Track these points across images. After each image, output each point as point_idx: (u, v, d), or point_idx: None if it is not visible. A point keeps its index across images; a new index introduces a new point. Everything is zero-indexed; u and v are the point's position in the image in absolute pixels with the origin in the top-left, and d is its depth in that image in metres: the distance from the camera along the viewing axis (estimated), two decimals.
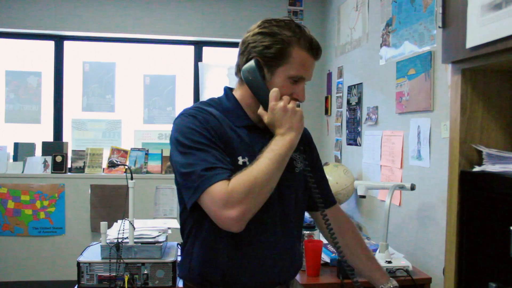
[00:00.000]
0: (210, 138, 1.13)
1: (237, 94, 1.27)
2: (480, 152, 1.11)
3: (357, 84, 3.26)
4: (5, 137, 4.02)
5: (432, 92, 2.25)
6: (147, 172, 3.98)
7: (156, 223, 2.19)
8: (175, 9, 4.07)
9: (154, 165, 4.01)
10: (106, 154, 4.04)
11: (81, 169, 3.95)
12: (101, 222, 1.95)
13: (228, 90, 1.30)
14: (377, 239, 2.59)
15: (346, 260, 1.33)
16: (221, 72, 4.26)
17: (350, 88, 3.41)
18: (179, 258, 2.06)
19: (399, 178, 2.56)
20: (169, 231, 2.12)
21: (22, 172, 3.86)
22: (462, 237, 1.12)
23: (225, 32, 4.13)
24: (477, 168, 1.09)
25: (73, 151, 4.00)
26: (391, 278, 1.40)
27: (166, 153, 4.03)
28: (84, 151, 3.99)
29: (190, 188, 1.09)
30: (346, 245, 1.37)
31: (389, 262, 2.03)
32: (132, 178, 1.98)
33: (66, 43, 4.13)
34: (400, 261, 2.09)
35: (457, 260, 1.14)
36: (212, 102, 1.27)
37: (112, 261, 1.86)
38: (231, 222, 1.05)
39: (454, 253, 1.14)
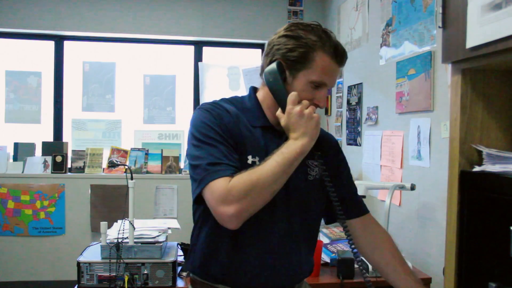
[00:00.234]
0: (221, 134, 1.13)
1: (259, 94, 1.27)
2: (480, 152, 1.11)
3: (357, 84, 3.26)
4: (5, 137, 4.02)
5: (432, 92, 2.25)
6: (147, 172, 3.98)
7: (156, 223, 2.19)
8: (175, 9, 4.07)
9: (154, 165, 4.01)
10: (106, 154, 4.04)
11: (81, 169, 3.95)
12: (101, 222, 1.95)
13: (251, 90, 1.30)
14: None
15: (362, 262, 1.28)
16: (221, 72, 4.26)
17: (350, 88, 3.41)
18: (179, 258, 2.07)
19: (399, 178, 2.56)
20: (169, 231, 2.12)
21: (22, 172, 3.86)
22: (462, 237, 1.12)
23: (225, 32, 4.14)
24: (477, 168, 1.09)
25: (73, 151, 4.00)
26: None
27: (166, 153, 4.04)
28: (84, 151, 3.99)
29: (195, 181, 1.12)
30: (381, 258, 1.32)
31: None
32: (132, 178, 1.98)
33: (66, 43, 4.13)
34: None
35: (457, 260, 1.14)
36: (233, 99, 1.28)
37: (112, 261, 1.86)
38: (227, 218, 1.06)
39: (454, 253, 1.14)
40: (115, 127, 4.18)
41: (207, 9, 4.10)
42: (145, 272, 1.88)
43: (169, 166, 4.01)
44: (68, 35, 4.08)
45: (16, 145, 3.95)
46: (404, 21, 2.58)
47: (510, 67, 1.09)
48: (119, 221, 2.05)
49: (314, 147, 1.14)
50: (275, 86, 1.16)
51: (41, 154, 3.94)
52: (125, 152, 4.04)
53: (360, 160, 3.16)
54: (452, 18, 1.12)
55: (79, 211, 3.85)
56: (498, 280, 0.97)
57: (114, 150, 4.03)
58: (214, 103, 1.22)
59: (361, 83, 3.20)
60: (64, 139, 4.11)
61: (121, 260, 1.87)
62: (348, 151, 3.39)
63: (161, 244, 1.93)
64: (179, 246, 2.15)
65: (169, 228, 2.12)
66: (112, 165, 2.43)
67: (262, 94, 1.26)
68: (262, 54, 4.29)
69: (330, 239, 2.35)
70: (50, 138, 4.09)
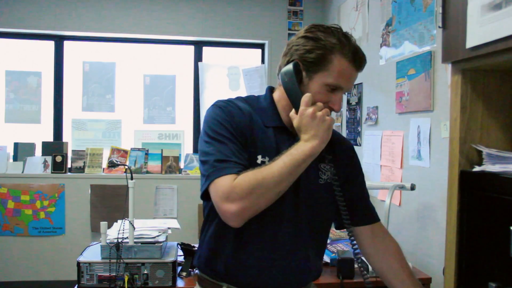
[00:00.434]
0: (231, 131, 1.13)
1: (275, 95, 1.27)
2: (480, 152, 1.11)
3: (357, 84, 3.26)
4: (5, 137, 4.02)
5: (432, 92, 2.25)
6: (147, 172, 3.98)
7: (156, 223, 2.19)
8: (175, 9, 4.07)
9: (154, 165, 4.01)
10: (106, 154, 4.04)
11: (81, 169, 3.95)
12: (101, 222, 1.94)
13: (268, 90, 1.30)
14: None
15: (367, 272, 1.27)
16: (221, 72, 4.26)
17: None
18: (179, 258, 2.07)
19: (399, 178, 2.56)
20: (169, 231, 2.12)
21: (22, 172, 3.86)
22: (462, 237, 1.12)
23: (225, 32, 4.14)
24: (477, 168, 1.09)
25: (73, 151, 4.00)
26: None
27: (166, 153, 4.04)
28: (84, 151, 3.99)
29: (203, 176, 1.12)
30: (389, 268, 1.30)
31: None
32: (132, 178, 1.98)
33: (66, 43, 4.13)
34: None
35: (457, 260, 1.14)
36: (248, 98, 1.28)
37: (112, 261, 1.86)
38: (229, 216, 1.06)
39: (454, 253, 1.14)
40: (115, 127, 4.18)
41: (207, 9, 4.10)
42: (145, 272, 1.88)
43: (169, 166, 4.02)
44: (68, 35, 4.08)
45: (16, 145, 3.95)
46: (404, 21, 2.58)
47: (510, 67, 1.09)
48: (119, 221, 2.05)
49: (326, 151, 1.13)
50: (290, 86, 1.15)
51: (41, 154, 3.94)
52: (125, 152, 4.04)
53: (360, 160, 3.16)
54: (452, 18, 1.12)
55: (79, 211, 3.85)
56: (498, 280, 0.97)
57: (114, 150, 4.03)
58: (228, 101, 1.22)
59: (361, 83, 3.20)
60: (64, 139, 4.11)
61: (121, 260, 1.87)
62: None
63: (161, 244, 1.93)
64: (179, 246, 2.15)
65: (169, 228, 2.12)
66: (112, 165, 2.42)
67: (278, 94, 1.25)
68: (262, 54, 4.32)
69: (330, 239, 2.35)
70: (50, 138, 4.09)
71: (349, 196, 1.24)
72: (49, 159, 3.89)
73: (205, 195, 1.13)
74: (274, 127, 1.21)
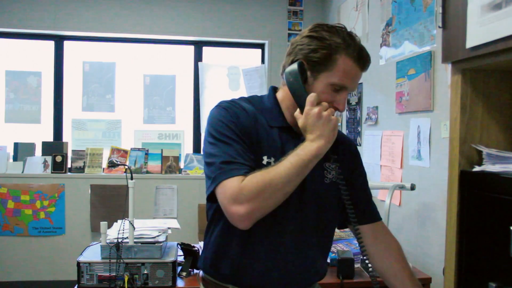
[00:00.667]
0: (237, 132, 1.13)
1: (279, 94, 1.26)
2: (480, 152, 1.11)
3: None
4: (5, 137, 4.02)
5: (432, 92, 2.25)
6: (147, 172, 3.98)
7: (156, 223, 2.19)
8: (175, 9, 4.07)
9: (154, 165, 4.01)
10: (106, 154, 4.04)
11: (81, 169, 3.95)
12: (101, 222, 1.94)
13: (271, 90, 1.29)
14: None
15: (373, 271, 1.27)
16: (221, 72, 4.26)
17: None
18: (179, 258, 2.07)
19: (399, 178, 2.56)
20: (169, 231, 2.12)
21: (22, 172, 3.86)
22: (462, 237, 1.12)
23: (225, 32, 4.14)
24: (477, 168, 1.09)
25: (73, 151, 4.00)
26: None
27: (166, 153, 4.04)
28: (84, 151, 3.99)
29: (209, 179, 1.11)
30: (389, 268, 1.30)
31: None
32: (132, 178, 1.98)
33: (66, 43, 4.13)
34: None
35: (457, 260, 1.14)
36: (252, 99, 1.27)
37: (112, 261, 1.86)
38: (238, 218, 1.05)
39: (454, 253, 1.14)
40: (115, 127, 4.18)
41: (207, 9, 4.10)
42: (145, 272, 1.88)
43: (169, 166, 4.02)
44: (68, 35, 4.08)
45: (16, 145, 3.95)
46: (404, 21, 2.58)
47: (510, 67, 1.09)
48: (119, 221, 2.05)
49: (331, 150, 1.13)
50: (295, 86, 1.14)
51: (41, 154, 3.94)
52: (125, 152, 4.04)
53: None
54: (452, 18, 1.12)
55: (79, 211, 3.85)
56: (498, 280, 0.97)
57: (114, 150, 4.03)
58: (232, 101, 1.21)
59: (361, 83, 3.20)
60: (64, 139, 4.11)
61: (121, 260, 1.87)
62: None
63: (161, 244, 1.93)
64: (179, 246, 2.15)
65: (169, 228, 2.12)
66: (112, 165, 2.42)
67: (282, 94, 1.24)
68: (262, 54, 4.32)
69: None
70: (50, 138, 4.09)
71: (352, 195, 1.24)
72: (49, 159, 3.89)
73: (211, 197, 1.12)
74: (278, 127, 1.21)
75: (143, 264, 1.89)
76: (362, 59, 1.16)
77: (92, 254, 1.98)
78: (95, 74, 4.17)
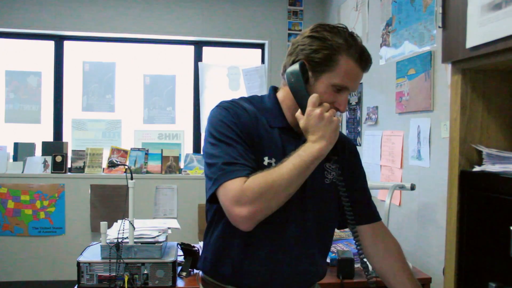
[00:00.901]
0: (238, 133, 1.12)
1: (279, 94, 1.25)
2: (480, 152, 1.11)
3: None
4: (5, 137, 4.02)
5: (432, 92, 2.25)
6: (147, 172, 3.98)
7: (156, 223, 2.19)
8: (175, 9, 4.07)
9: (154, 165, 4.01)
10: (106, 154, 4.04)
11: (81, 169, 3.95)
12: (101, 222, 1.94)
13: (271, 90, 1.28)
14: None
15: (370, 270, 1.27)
16: (221, 72, 4.26)
17: None
18: (179, 258, 2.07)
19: (399, 178, 2.56)
20: (169, 231, 2.12)
21: (22, 172, 3.86)
22: (462, 237, 1.12)
23: (225, 32, 4.14)
24: (477, 168, 1.09)
25: (73, 151, 4.00)
26: None
27: (166, 153, 4.04)
28: (84, 151, 3.99)
29: (210, 180, 1.11)
30: (389, 269, 1.30)
31: None
32: (132, 178, 1.98)
33: (66, 43, 4.13)
34: None
35: (457, 260, 1.14)
36: (252, 99, 1.26)
37: (112, 261, 1.86)
38: (240, 220, 1.04)
39: (454, 253, 1.14)
40: (115, 127, 4.18)
41: (207, 9, 4.10)
42: (145, 272, 1.88)
43: (169, 166, 4.02)
44: (68, 35, 4.08)
45: (16, 145, 3.95)
46: (404, 21, 2.58)
47: (510, 67, 1.09)
48: (119, 221, 2.05)
49: (332, 151, 1.12)
50: (297, 86, 1.14)
51: (41, 154, 3.94)
52: (125, 152, 4.04)
53: None
54: (452, 18, 1.12)
55: (79, 211, 3.85)
56: (498, 280, 0.97)
57: (114, 150, 4.03)
58: (233, 102, 1.21)
59: (361, 83, 3.20)
60: (64, 139, 4.11)
61: (121, 260, 1.87)
62: None
63: (161, 244, 1.93)
64: (179, 246, 2.15)
65: (169, 228, 2.12)
66: (112, 165, 2.42)
67: (282, 94, 1.24)
68: (262, 54, 4.32)
69: None
70: (50, 138, 4.09)
71: (352, 195, 1.24)
72: (49, 159, 3.89)
73: (212, 198, 1.11)
74: (279, 128, 1.20)
75: (143, 264, 1.89)
76: (363, 60, 1.15)
77: (92, 254, 1.98)
78: (95, 74, 4.17)
